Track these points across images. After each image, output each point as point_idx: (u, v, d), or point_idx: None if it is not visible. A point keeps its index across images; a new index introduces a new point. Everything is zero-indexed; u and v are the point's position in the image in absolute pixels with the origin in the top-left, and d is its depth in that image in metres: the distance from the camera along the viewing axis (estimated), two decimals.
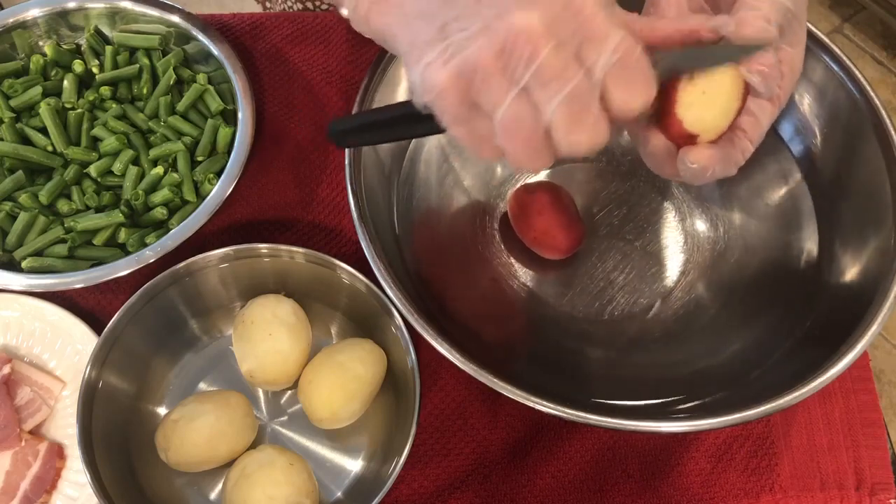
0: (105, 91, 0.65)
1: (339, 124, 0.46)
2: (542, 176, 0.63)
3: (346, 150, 0.54)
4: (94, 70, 0.66)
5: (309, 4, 0.82)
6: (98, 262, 0.58)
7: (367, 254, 0.50)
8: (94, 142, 0.64)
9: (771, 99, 0.41)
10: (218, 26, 0.71)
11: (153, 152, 0.63)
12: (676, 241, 0.61)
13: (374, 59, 0.56)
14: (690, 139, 0.41)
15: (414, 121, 0.40)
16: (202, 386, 0.59)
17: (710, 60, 0.39)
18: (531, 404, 0.46)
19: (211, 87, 0.66)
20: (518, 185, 0.61)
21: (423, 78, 0.36)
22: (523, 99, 0.35)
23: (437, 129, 0.39)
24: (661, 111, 0.40)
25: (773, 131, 0.60)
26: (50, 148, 0.63)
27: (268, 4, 0.88)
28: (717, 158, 0.40)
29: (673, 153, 0.42)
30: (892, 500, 0.57)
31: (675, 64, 0.39)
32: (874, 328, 0.49)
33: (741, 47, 0.39)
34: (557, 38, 0.34)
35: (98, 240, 0.60)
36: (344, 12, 0.42)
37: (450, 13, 0.36)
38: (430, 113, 0.38)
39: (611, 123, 0.36)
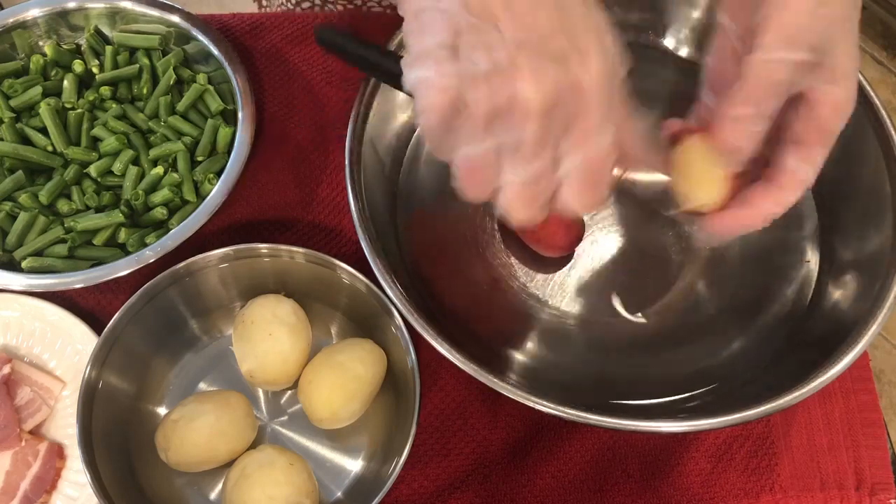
0: (105, 91, 0.65)
1: (328, 33, 0.48)
2: None
3: (346, 153, 0.54)
4: (94, 70, 0.66)
5: (305, 5, 0.82)
6: (98, 262, 0.58)
7: (367, 254, 0.50)
8: (94, 142, 0.64)
9: (805, 144, 0.40)
10: (218, 26, 0.71)
11: (153, 152, 0.63)
12: (675, 242, 0.61)
13: None
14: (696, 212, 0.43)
15: (394, 79, 0.41)
16: (202, 386, 0.59)
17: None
18: (531, 404, 0.46)
19: (211, 87, 0.66)
20: None
21: (418, 86, 0.37)
22: (491, 154, 0.37)
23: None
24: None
25: None
26: (50, 148, 0.63)
27: (264, 2, 0.88)
28: (728, 226, 0.42)
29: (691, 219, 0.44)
30: (893, 500, 0.57)
31: None
32: (874, 328, 0.49)
33: None
34: (550, 119, 0.35)
35: (98, 240, 0.60)
36: None
37: (467, 41, 0.36)
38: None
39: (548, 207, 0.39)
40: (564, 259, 0.60)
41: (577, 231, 0.58)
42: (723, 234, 0.43)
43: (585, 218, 0.60)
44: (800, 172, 0.40)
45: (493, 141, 0.36)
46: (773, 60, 0.38)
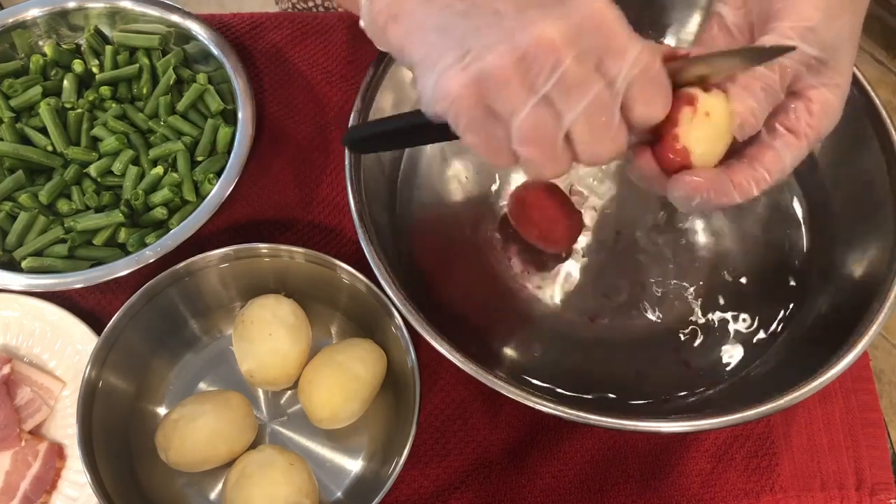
0: (105, 91, 0.65)
1: (354, 133, 0.47)
2: None
3: (346, 151, 0.54)
4: (94, 70, 0.66)
5: (310, 3, 0.82)
6: (98, 262, 0.58)
7: (367, 254, 0.50)
8: (94, 142, 0.64)
9: (795, 134, 0.41)
10: (218, 26, 0.71)
11: (153, 152, 0.63)
12: (675, 242, 0.61)
13: (374, 58, 0.56)
14: (683, 163, 0.40)
15: (426, 129, 0.40)
16: (202, 386, 0.59)
17: (721, 66, 0.39)
18: (531, 404, 0.46)
19: (211, 87, 0.66)
20: (516, 186, 0.61)
21: (438, 84, 0.36)
22: (543, 107, 0.35)
23: (449, 136, 0.39)
24: (659, 131, 0.40)
25: None
26: (50, 148, 0.63)
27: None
28: (702, 189, 0.40)
29: (662, 178, 0.42)
30: (893, 501, 0.57)
31: (685, 74, 0.39)
32: (874, 328, 0.49)
33: (757, 52, 0.39)
34: (579, 48, 0.34)
35: (98, 240, 0.60)
36: (361, 23, 0.42)
37: (469, 25, 0.36)
38: (443, 122, 0.38)
39: (629, 132, 0.37)
40: (565, 259, 0.60)
41: (576, 225, 0.58)
42: (690, 198, 0.40)
43: (585, 220, 0.60)
44: (784, 157, 0.41)
45: (537, 95, 0.35)
46: (783, 42, 0.39)
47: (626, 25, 0.35)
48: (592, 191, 0.63)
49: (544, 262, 0.60)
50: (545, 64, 0.34)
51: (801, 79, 0.40)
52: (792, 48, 0.39)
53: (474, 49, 0.35)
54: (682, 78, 0.39)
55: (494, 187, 0.62)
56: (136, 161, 0.63)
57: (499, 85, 0.35)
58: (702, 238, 0.61)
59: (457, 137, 0.39)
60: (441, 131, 0.38)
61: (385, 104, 0.58)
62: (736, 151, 0.41)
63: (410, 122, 0.42)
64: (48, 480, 0.55)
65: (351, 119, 0.55)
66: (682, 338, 0.58)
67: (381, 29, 0.40)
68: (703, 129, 0.39)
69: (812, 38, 0.39)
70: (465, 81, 0.35)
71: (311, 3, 0.82)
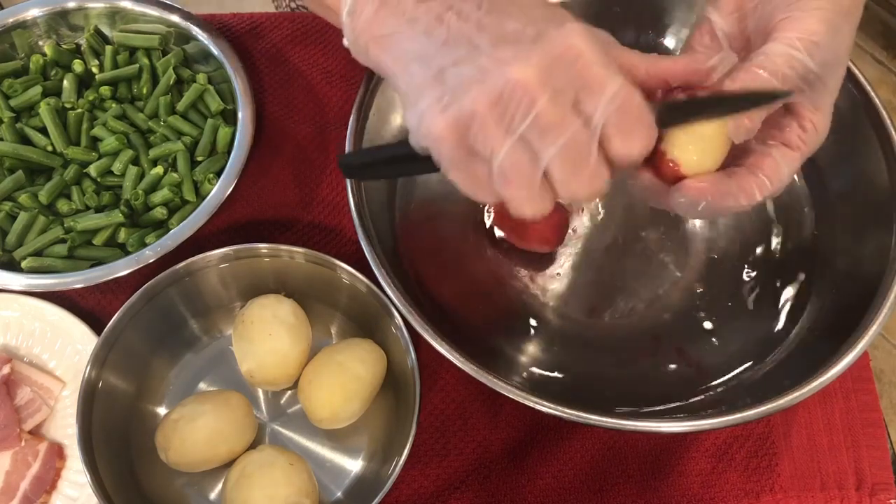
0: (105, 91, 0.65)
1: (349, 159, 0.48)
2: None
3: (347, 147, 0.54)
4: (94, 70, 0.66)
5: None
6: (98, 262, 0.58)
7: (367, 254, 0.50)
8: (94, 142, 0.64)
9: (790, 146, 0.41)
10: (218, 26, 0.71)
11: (153, 152, 0.63)
12: (675, 242, 0.61)
13: None
14: (677, 177, 0.41)
15: (414, 161, 0.40)
16: (202, 386, 0.59)
17: (712, 112, 0.40)
18: (531, 404, 0.46)
19: (211, 87, 0.66)
20: None
21: (422, 123, 0.37)
22: (520, 147, 0.35)
23: (436, 169, 0.39)
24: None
25: None
26: (50, 148, 0.63)
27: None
28: (707, 192, 0.40)
29: (664, 188, 0.42)
30: (893, 501, 0.57)
31: (673, 116, 0.39)
32: (874, 328, 0.49)
33: (746, 99, 0.39)
34: (553, 87, 0.34)
35: (98, 240, 0.60)
36: (345, 42, 0.43)
37: (448, 58, 0.36)
38: (429, 155, 0.38)
39: (610, 169, 0.37)
40: (565, 259, 0.60)
41: (561, 221, 0.58)
42: (695, 203, 0.40)
43: (583, 218, 0.60)
44: (781, 166, 0.41)
45: (514, 136, 0.35)
46: (790, 53, 0.39)
47: (606, 60, 0.35)
48: None
49: (544, 261, 0.60)
50: (519, 105, 0.34)
51: (796, 95, 0.40)
52: (790, 93, 0.39)
53: (452, 89, 0.36)
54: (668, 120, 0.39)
55: None
56: (136, 161, 0.63)
57: (477, 127, 0.35)
58: (701, 238, 0.61)
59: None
60: (428, 163, 0.39)
61: (385, 104, 0.58)
62: (733, 161, 0.42)
63: (398, 152, 0.42)
64: (48, 480, 0.55)
65: (350, 120, 0.55)
66: (683, 338, 0.58)
67: (363, 49, 0.41)
68: (689, 138, 0.40)
69: (816, 53, 0.39)
70: (446, 124, 0.36)
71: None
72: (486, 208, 0.61)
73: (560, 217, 0.58)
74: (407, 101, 0.38)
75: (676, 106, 0.40)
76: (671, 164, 0.41)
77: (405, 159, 0.41)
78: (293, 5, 0.83)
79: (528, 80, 0.34)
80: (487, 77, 0.35)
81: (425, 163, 0.39)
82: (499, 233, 0.60)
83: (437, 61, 0.37)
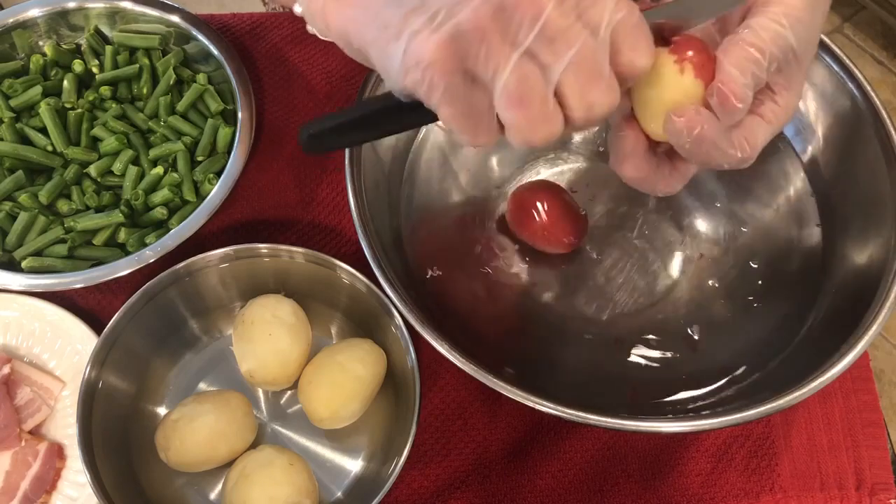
0: (105, 91, 0.65)
1: (312, 127, 0.39)
2: (540, 177, 0.63)
3: (346, 153, 0.53)
4: (94, 70, 0.66)
5: None
6: (98, 262, 0.58)
7: (367, 254, 0.50)
8: (94, 142, 0.64)
9: (764, 118, 0.40)
10: (218, 26, 0.71)
11: (153, 152, 0.63)
12: (677, 242, 0.61)
13: None
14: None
15: (395, 112, 0.37)
16: (202, 386, 0.59)
17: (691, 14, 0.38)
18: (531, 404, 0.46)
19: (211, 87, 0.66)
20: (517, 186, 0.61)
21: (409, 51, 0.33)
22: (528, 61, 0.33)
23: (423, 119, 0.36)
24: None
25: None
26: (50, 148, 0.63)
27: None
28: (702, 121, 0.38)
29: (646, 147, 0.41)
30: (893, 501, 0.57)
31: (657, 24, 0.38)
32: (874, 328, 0.49)
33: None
34: None
35: (98, 240, 0.60)
36: (297, 10, 0.39)
37: None
38: (414, 101, 0.35)
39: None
40: (565, 258, 0.60)
41: (581, 226, 0.58)
42: (691, 128, 0.38)
43: (586, 213, 0.60)
44: (757, 135, 0.40)
45: (520, 49, 0.33)
46: (776, 29, 0.38)
47: None
48: (591, 189, 0.62)
49: (544, 262, 0.60)
50: (526, 14, 0.32)
51: (776, 73, 0.39)
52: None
53: (444, 7, 0.32)
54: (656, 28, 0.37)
55: (496, 185, 0.62)
56: (136, 161, 0.63)
57: (477, 42, 0.32)
58: (703, 238, 0.61)
59: (430, 119, 0.36)
60: (413, 112, 0.35)
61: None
62: None
63: (374, 107, 0.38)
64: (48, 480, 0.55)
65: None
66: (683, 338, 0.58)
67: (320, 11, 0.37)
68: (643, 85, 0.38)
69: (798, 31, 0.38)
70: (440, 42, 0.32)
71: None
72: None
73: (581, 217, 0.58)
74: (383, 41, 0.34)
75: (665, 10, 0.38)
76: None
77: (382, 114, 0.37)
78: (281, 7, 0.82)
79: None
80: None
81: (412, 112, 0.35)
82: (513, 234, 0.60)
83: None
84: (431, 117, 0.36)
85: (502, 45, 0.32)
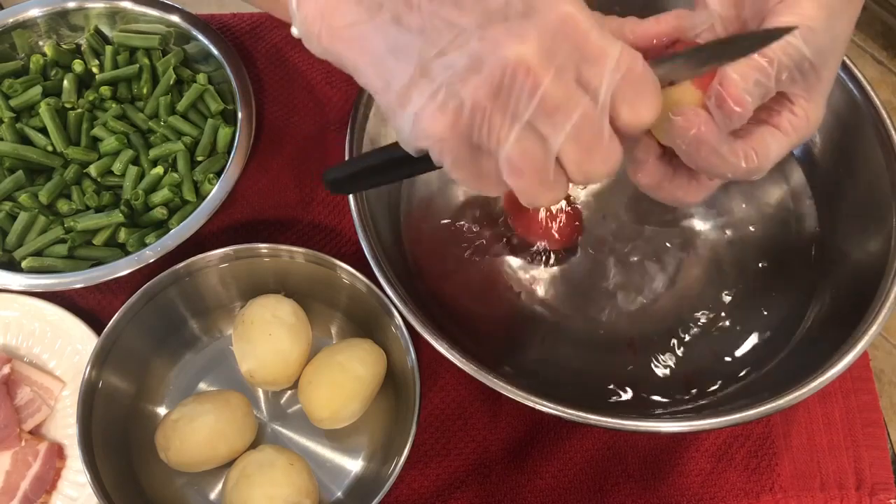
0: (105, 91, 0.65)
1: (334, 173, 0.43)
2: None
3: (346, 147, 0.54)
4: (94, 70, 0.66)
5: None
6: (98, 262, 0.58)
7: (367, 254, 0.50)
8: (94, 142, 0.64)
9: (781, 130, 0.39)
10: (218, 26, 0.71)
11: (153, 152, 0.63)
12: (676, 241, 0.61)
13: None
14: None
15: (409, 163, 0.38)
16: (202, 386, 0.59)
17: (702, 62, 0.38)
18: (531, 404, 0.46)
19: (211, 87, 0.66)
20: None
21: (417, 125, 0.34)
22: (528, 133, 0.34)
23: (433, 167, 0.37)
24: None
25: None
26: (50, 148, 0.63)
27: None
28: (702, 119, 0.37)
29: (654, 148, 0.40)
30: (893, 500, 0.57)
31: (667, 73, 0.37)
32: (874, 328, 0.49)
33: (738, 44, 0.38)
34: (555, 64, 0.33)
35: (98, 240, 0.60)
36: (294, 32, 0.39)
37: (430, 48, 0.34)
38: (426, 155, 0.36)
39: (623, 142, 0.35)
40: (564, 258, 0.60)
41: (576, 219, 0.58)
42: (688, 127, 0.37)
43: (585, 213, 0.60)
44: (769, 144, 0.39)
45: (521, 122, 0.33)
46: (786, 39, 0.37)
47: (599, 26, 0.33)
48: (591, 189, 0.63)
49: (544, 259, 0.60)
50: (522, 89, 0.32)
51: (790, 82, 0.39)
52: (792, 28, 0.37)
53: (446, 83, 0.33)
54: (670, 76, 0.37)
55: None
56: (136, 161, 0.63)
57: (479, 119, 0.33)
58: (702, 238, 0.61)
59: (440, 167, 0.37)
60: (424, 163, 0.37)
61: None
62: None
63: (392, 155, 0.40)
64: (48, 480, 0.55)
65: (350, 120, 0.55)
66: (683, 338, 0.58)
67: (316, 38, 0.38)
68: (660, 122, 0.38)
69: (812, 40, 0.38)
70: (446, 124, 0.34)
71: None
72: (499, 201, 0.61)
73: (576, 213, 0.58)
74: (390, 103, 0.36)
75: (678, 58, 0.37)
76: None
77: (399, 163, 0.39)
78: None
79: (529, 60, 0.32)
80: (483, 63, 0.33)
81: (421, 163, 0.37)
82: (512, 225, 0.60)
83: (416, 53, 0.34)
84: (440, 167, 0.37)
85: (503, 120, 0.33)
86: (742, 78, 0.37)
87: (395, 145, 0.38)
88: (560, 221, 0.57)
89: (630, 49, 0.34)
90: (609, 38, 0.34)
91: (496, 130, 0.34)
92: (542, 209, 0.57)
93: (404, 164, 0.39)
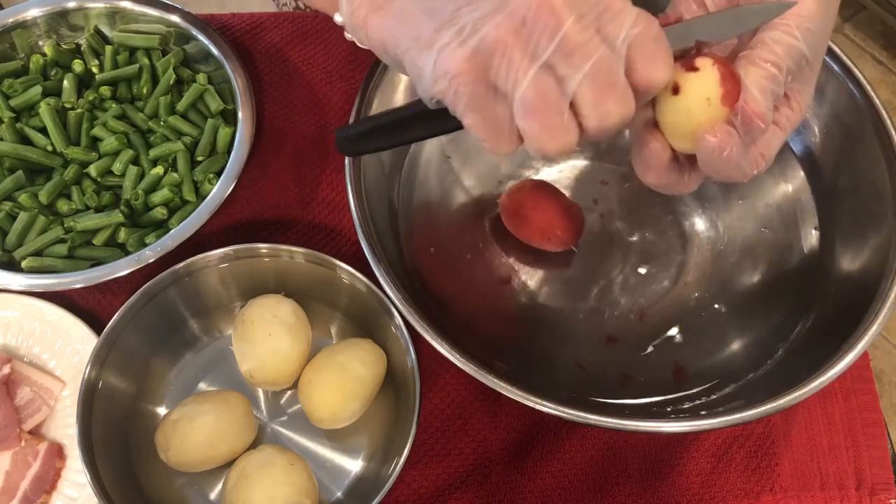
0: (105, 91, 0.65)
1: (347, 130, 0.44)
2: (539, 176, 0.63)
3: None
4: (94, 70, 0.66)
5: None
6: (98, 262, 0.58)
7: (367, 254, 0.50)
8: (94, 142, 0.64)
9: (779, 125, 0.41)
10: (218, 26, 0.71)
11: (153, 152, 0.63)
12: (676, 241, 0.61)
13: (374, 59, 0.56)
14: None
15: (425, 119, 0.39)
16: (202, 386, 0.59)
17: (718, 30, 0.39)
18: (531, 404, 0.46)
19: (211, 87, 0.66)
20: (509, 186, 0.60)
21: (438, 62, 0.35)
22: (546, 74, 0.34)
23: (449, 127, 0.38)
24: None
25: None
26: (50, 148, 0.63)
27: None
28: (735, 140, 0.38)
29: (668, 153, 0.41)
30: (893, 501, 0.57)
31: (680, 39, 0.38)
32: (874, 328, 0.49)
33: (755, 11, 0.39)
34: (577, 10, 0.34)
35: (98, 240, 0.60)
36: (338, 19, 0.41)
37: (460, 1, 0.35)
38: (442, 108, 0.37)
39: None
40: (564, 258, 0.60)
41: (578, 222, 0.58)
42: (723, 147, 0.38)
43: (585, 214, 0.60)
44: (772, 143, 0.41)
45: (539, 62, 0.34)
46: (790, 42, 0.38)
47: None
48: (591, 189, 0.62)
49: (544, 262, 0.60)
50: (545, 28, 0.33)
51: (790, 81, 0.40)
52: (791, 4, 0.38)
53: (470, 20, 0.34)
54: (679, 46, 0.38)
55: (496, 185, 0.62)
56: (136, 161, 0.63)
57: (499, 55, 0.34)
58: (702, 238, 0.61)
59: (456, 127, 0.38)
60: (439, 120, 0.37)
61: (385, 104, 0.58)
62: None
63: (406, 112, 0.41)
64: (48, 480, 0.55)
65: (350, 120, 0.55)
66: (683, 337, 0.58)
67: (361, 22, 0.40)
68: (670, 105, 0.39)
69: (810, 39, 0.39)
70: (466, 55, 0.34)
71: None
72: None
73: (576, 212, 0.58)
74: (416, 50, 0.36)
75: (689, 27, 0.39)
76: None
77: (411, 119, 0.40)
78: (294, 5, 0.83)
79: (554, 2, 0.33)
80: (509, 3, 0.34)
81: (438, 120, 0.37)
82: (512, 234, 0.60)
83: (448, 8, 0.35)
84: (457, 125, 0.38)
85: (522, 58, 0.34)
86: (762, 94, 0.38)
87: (412, 103, 0.39)
88: (560, 223, 0.57)
89: (647, 13, 0.35)
90: (628, 2, 0.35)
91: (514, 68, 0.34)
92: (540, 212, 0.57)
93: (419, 120, 0.39)
